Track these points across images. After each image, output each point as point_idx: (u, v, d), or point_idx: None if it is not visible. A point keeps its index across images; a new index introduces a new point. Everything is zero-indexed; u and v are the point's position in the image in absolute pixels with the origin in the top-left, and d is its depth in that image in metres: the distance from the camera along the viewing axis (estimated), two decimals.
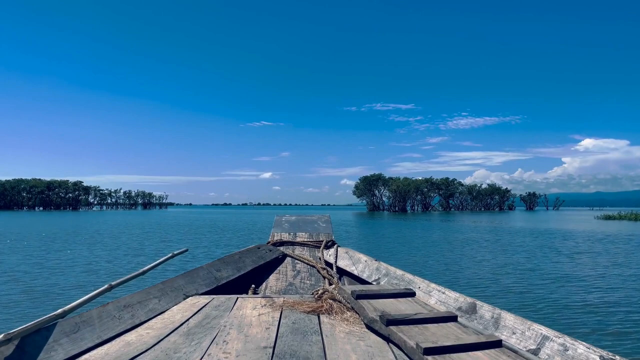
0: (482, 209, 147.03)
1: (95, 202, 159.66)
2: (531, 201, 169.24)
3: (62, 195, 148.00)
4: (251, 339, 1.94)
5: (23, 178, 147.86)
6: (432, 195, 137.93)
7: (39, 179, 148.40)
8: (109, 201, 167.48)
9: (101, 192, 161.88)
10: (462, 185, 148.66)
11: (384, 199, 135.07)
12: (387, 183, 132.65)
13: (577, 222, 46.40)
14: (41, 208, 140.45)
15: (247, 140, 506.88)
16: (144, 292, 2.59)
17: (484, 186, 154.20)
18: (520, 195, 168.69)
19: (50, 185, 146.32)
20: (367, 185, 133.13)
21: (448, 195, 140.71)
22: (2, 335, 1.72)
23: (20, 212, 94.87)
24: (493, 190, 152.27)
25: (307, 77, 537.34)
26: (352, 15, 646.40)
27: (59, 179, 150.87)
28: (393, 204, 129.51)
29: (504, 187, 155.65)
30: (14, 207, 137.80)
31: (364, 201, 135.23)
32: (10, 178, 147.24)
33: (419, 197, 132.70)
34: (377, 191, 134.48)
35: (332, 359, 1.73)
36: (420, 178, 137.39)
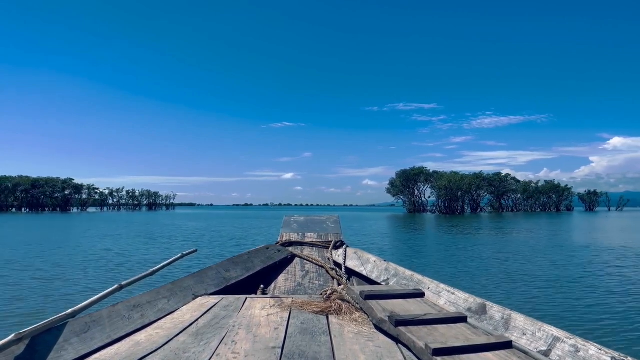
0: (539, 210, 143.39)
1: (91, 202, 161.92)
2: (591, 201, 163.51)
3: (50, 195, 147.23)
4: (260, 339, 2.23)
5: (7, 175, 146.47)
6: (481, 193, 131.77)
7: (26, 177, 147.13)
8: (111, 202, 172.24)
9: (96, 190, 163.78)
10: (518, 182, 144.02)
11: (428, 197, 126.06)
12: (430, 178, 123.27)
13: None
14: (28, 210, 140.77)
15: (268, 141, 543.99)
16: (153, 292, 2.95)
17: (540, 183, 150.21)
18: (579, 193, 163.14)
19: (36, 184, 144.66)
20: (406, 182, 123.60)
21: (501, 194, 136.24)
22: (13, 335, 2.02)
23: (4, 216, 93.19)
24: (551, 188, 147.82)
25: (329, 78, 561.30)
26: (373, 16, 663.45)
27: (45, 176, 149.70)
28: (439, 204, 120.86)
29: (563, 185, 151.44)
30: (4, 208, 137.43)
31: (400, 200, 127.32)
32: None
33: (467, 196, 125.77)
34: (415, 189, 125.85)
35: None
36: (468, 174, 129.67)
